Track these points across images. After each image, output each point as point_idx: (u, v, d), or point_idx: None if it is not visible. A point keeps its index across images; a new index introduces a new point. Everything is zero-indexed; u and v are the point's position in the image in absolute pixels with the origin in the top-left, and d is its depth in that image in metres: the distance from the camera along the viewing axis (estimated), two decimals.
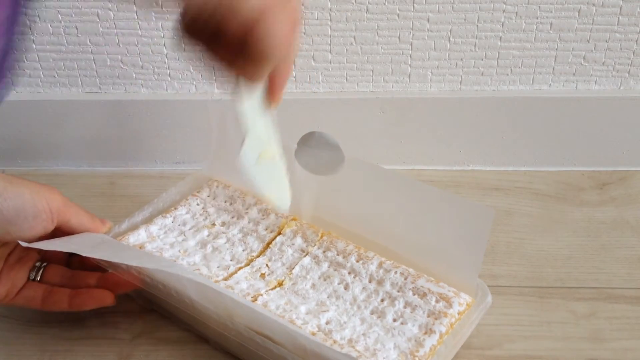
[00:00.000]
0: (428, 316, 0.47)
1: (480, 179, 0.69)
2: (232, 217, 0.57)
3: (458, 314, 0.47)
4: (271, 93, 0.42)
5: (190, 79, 0.68)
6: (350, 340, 0.45)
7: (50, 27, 0.65)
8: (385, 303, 0.48)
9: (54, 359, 0.50)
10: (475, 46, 0.64)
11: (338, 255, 0.52)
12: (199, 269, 0.51)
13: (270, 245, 0.54)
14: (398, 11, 0.63)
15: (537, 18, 0.62)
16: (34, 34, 0.65)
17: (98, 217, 0.53)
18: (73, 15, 0.64)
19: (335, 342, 0.45)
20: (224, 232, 0.55)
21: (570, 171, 0.69)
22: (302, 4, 0.39)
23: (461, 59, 0.65)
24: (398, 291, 0.49)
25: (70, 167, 0.72)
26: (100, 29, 0.65)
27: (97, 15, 0.64)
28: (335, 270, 0.51)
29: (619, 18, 0.62)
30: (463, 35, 0.63)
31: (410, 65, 0.66)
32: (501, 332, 0.51)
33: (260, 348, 0.44)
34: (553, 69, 0.65)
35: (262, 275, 0.51)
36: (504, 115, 0.67)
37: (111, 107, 0.68)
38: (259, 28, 0.33)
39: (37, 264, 0.51)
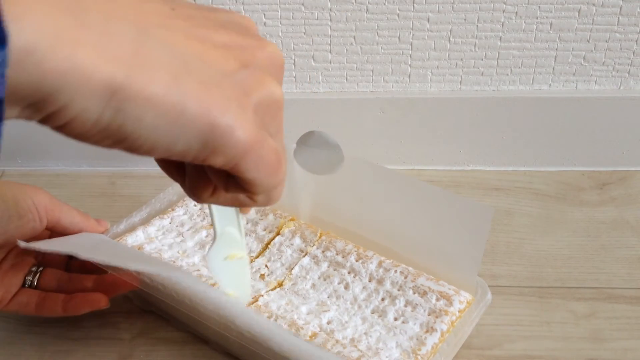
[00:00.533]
0: (429, 314, 0.47)
1: (480, 179, 0.69)
2: None
3: (459, 312, 0.47)
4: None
5: None
6: (352, 340, 0.45)
7: None
8: (385, 302, 0.48)
9: (54, 359, 0.50)
10: (475, 46, 0.64)
11: (337, 254, 0.52)
12: (199, 270, 0.51)
13: (269, 246, 0.54)
14: (398, 11, 0.63)
15: (537, 18, 0.62)
16: None
17: (98, 217, 0.53)
18: None
19: (337, 341, 0.45)
20: None
21: (570, 171, 0.69)
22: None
23: (461, 59, 0.65)
24: (398, 290, 0.49)
25: (70, 167, 0.72)
26: None
27: None
28: (334, 269, 0.51)
29: (619, 18, 0.62)
30: (463, 35, 0.63)
31: (410, 65, 0.66)
32: (501, 332, 0.51)
33: (262, 348, 0.44)
34: (553, 69, 0.65)
35: (262, 276, 0.51)
36: (504, 115, 0.67)
37: None
38: (245, 163, 0.30)
39: (34, 268, 0.50)
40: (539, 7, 0.62)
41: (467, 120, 0.67)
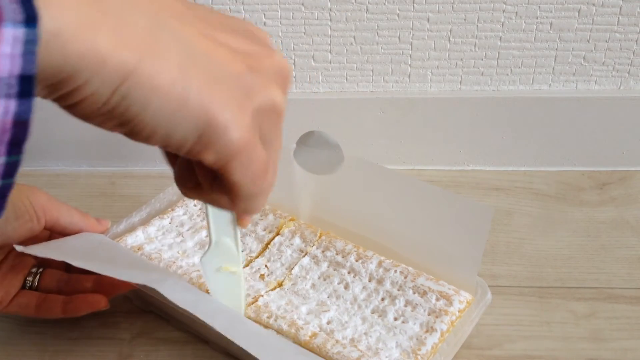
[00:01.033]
0: (429, 314, 0.47)
1: (480, 179, 0.69)
2: None
3: (459, 311, 0.47)
4: (239, 218, 0.39)
5: None
6: (352, 340, 0.45)
7: None
8: (385, 302, 0.48)
9: (54, 359, 0.50)
10: (475, 46, 0.64)
11: (337, 254, 0.52)
12: (198, 270, 0.51)
13: (269, 246, 0.54)
14: (398, 11, 0.63)
15: (537, 18, 0.62)
16: None
17: (98, 217, 0.52)
18: None
19: (337, 341, 0.45)
20: None
21: (570, 171, 0.69)
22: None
23: (461, 59, 0.65)
24: (398, 290, 0.49)
25: (70, 167, 0.72)
26: None
27: None
28: (334, 269, 0.51)
29: (619, 18, 0.62)
30: (463, 35, 0.63)
31: (410, 65, 0.66)
32: (501, 332, 0.51)
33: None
34: (553, 69, 0.65)
35: (262, 276, 0.51)
36: (504, 115, 0.67)
37: None
38: (233, 164, 0.29)
39: (33, 269, 0.50)
40: (539, 7, 0.62)
41: (467, 120, 0.67)
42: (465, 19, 0.63)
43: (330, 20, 0.63)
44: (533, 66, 0.65)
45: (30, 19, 0.22)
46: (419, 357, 0.44)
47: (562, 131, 0.67)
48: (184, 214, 0.57)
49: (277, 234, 0.55)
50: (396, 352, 0.45)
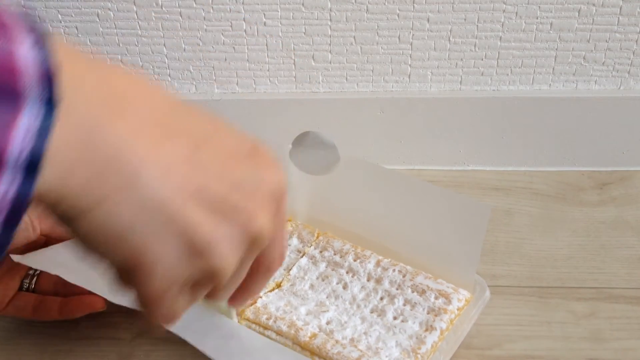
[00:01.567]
0: (428, 313, 0.47)
1: (480, 179, 0.69)
2: None
3: (457, 309, 0.47)
4: (232, 298, 0.36)
5: (190, 79, 0.68)
6: (352, 340, 0.45)
7: (50, 27, 0.65)
8: (384, 301, 0.48)
9: (54, 359, 0.50)
10: (475, 46, 0.64)
11: (335, 254, 0.52)
12: None
13: None
14: (398, 11, 0.63)
15: (537, 18, 0.62)
16: None
17: None
18: (73, 15, 0.64)
19: (337, 342, 0.45)
20: None
21: (570, 171, 0.69)
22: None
23: (461, 59, 0.65)
24: (397, 289, 0.49)
25: None
26: (100, 29, 0.65)
27: (97, 15, 0.64)
28: (333, 270, 0.51)
29: (619, 18, 0.62)
30: (463, 35, 0.63)
31: (410, 65, 0.66)
32: (501, 332, 0.51)
33: None
34: (553, 69, 0.65)
35: None
36: (504, 115, 0.67)
37: None
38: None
39: (31, 271, 0.50)
40: (539, 7, 0.62)
41: (467, 120, 0.67)
42: (465, 19, 0.63)
43: (330, 20, 0.63)
44: (533, 66, 0.65)
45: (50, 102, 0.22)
46: (419, 356, 0.44)
47: (562, 131, 0.67)
48: None
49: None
50: (396, 351, 0.45)
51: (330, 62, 0.66)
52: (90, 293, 0.49)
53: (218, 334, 0.44)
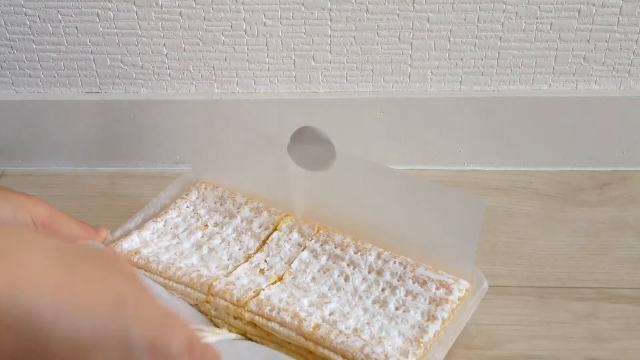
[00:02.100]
0: (429, 303, 0.47)
1: (480, 179, 0.69)
2: (224, 217, 0.57)
3: (458, 299, 0.48)
4: None
5: (190, 79, 0.68)
6: (355, 330, 0.46)
7: (50, 27, 0.65)
8: (386, 292, 0.49)
9: None
10: (475, 46, 0.64)
11: (336, 247, 0.53)
12: (198, 270, 0.51)
13: (267, 241, 0.54)
14: (398, 11, 0.63)
15: (537, 18, 0.62)
16: (34, 34, 0.65)
17: (98, 217, 0.52)
18: (73, 15, 0.64)
19: (340, 332, 0.45)
20: (218, 233, 0.55)
21: (570, 171, 0.69)
22: None
23: (461, 59, 0.65)
24: (398, 280, 0.49)
25: (70, 167, 0.72)
26: (100, 29, 0.65)
27: (97, 15, 0.64)
28: (334, 262, 0.51)
29: (619, 18, 0.62)
30: (463, 35, 0.63)
31: (410, 65, 0.66)
32: (501, 332, 0.51)
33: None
34: (553, 69, 0.65)
35: (262, 271, 0.51)
36: (504, 115, 0.67)
37: (111, 107, 0.68)
38: None
39: None
40: (539, 7, 0.62)
41: (467, 120, 0.67)
42: (465, 19, 0.63)
43: (330, 20, 0.63)
44: (533, 66, 0.65)
45: None
46: (422, 344, 0.45)
47: (562, 131, 0.67)
48: (177, 216, 0.57)
49: (275, 229, 0.55)
50: (399, 340, 0.45)
51: (330, 62, 0.66)
52: None
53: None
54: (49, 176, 0.71)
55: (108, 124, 0.69)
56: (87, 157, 0.71)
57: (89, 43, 0.66)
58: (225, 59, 0.66)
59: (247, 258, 0.53)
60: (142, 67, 0.67)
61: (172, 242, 0.54)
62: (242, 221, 0.56)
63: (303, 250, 0.53)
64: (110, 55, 0.66)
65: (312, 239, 0.54)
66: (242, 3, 0.63)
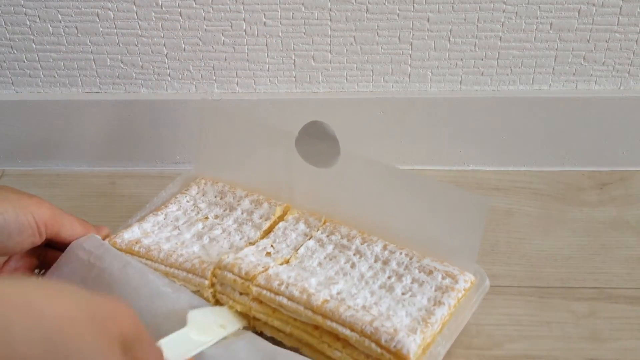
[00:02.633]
0: (436, 290, 0.48)
1: (480, 179, 0.69)
2: (225, 210, 0.57)
3: (464, 290, 0.48)
4: None
5: (190, 79, 0.68)
6: (363, 307, 0.46)
7: (50, 27, 0.65)
8: (392, 279, 0.49)
9: None
10: (475, 46, 0.64)
11: (342, 238, 0.53)
12: (200, 257, 0.51)
13: (274, 230, 0.54)
14: (398, 11, 0.63)
15: (537, 18, 0.62)
16: (34, 34, 0.65)
17: (98, 216, 0.52)
18: (73, 15, 0.64)
19: (349, 307, 0.45)
20: (218, 224, 0.55)
21: (570, 171, 0.69)
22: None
23: (461, 59, 0.65)
24: (404, 269, 0.50)
25: (70, 167, 0.72)
26: (100, 29, 0.65)
27: (97, 15, 0.64)
28: (340, 251, 0.52)
29: (619, 18, 0.62)
30: (463, 35, 0.63)
31: (410, 65, 0.66)
32: (501, 332, 0.51)
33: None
34: (553, 69, 0.65)
35: (268, 254, 0.51)
36: (504, 115, 0.67)
37: (111, 107, 0.68)
38: None
39: (36, 270, 0.50)
40: (539, 7, 0.62)
41: (467, 120, 0.67)
42: (465, 19, 0.63)
43: (330, 20, 0.63)
44: (533, 66, 0.65)
45: None
46: (429, 324, 0.45)
47: (562, 131, 0.67)
48: (178, 209, 0.57)
49: (281, 219, 0.55)
50: (407, 319, 0.45)
51: (330, 62, 0.66)
52: None
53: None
54: (49, 176, 0.71)
55: (108, 124, 0.69)
56: (87, 157, 0.71)
57: (89, 43, 0.66)
58: (225, 59, 0.66)
59: (254, 242, 0.53)
60: (142, 67, 0.67)
61: (172, 233, 0.55)
62: (242, 213, 0.56)
63: (309, 239, 0.53)
64: (110, 55, 0.66)
65: (318, 229, 0.54)
66: (242, 3, 0.63)
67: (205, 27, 0.64)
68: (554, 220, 0.63)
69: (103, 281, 0.49)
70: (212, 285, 0.49)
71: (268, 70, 0.67)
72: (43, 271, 0.50)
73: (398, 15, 0.63)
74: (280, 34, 0.64)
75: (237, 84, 0.68)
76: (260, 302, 0.47)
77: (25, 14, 0.64)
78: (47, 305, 0.31)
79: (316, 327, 0.46)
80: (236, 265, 0.48)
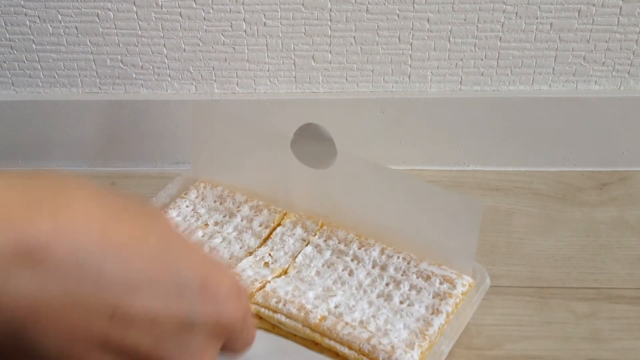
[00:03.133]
0: (433, 297, 0.48)
1: (480, 179, 0.69)
2: (224, 216, 0.57)
3: (462, 294, 0.49)
4: None
5: (190, 79, 0.68)
6: (361, 322, 0.46)
7: (50, 27, 0.65)
8: (390, 287, 0.49)
9: None
10: (475, 46, 0.64)
11: (339, 243, 0.53)
12: None
13: (271, 236, 0.54)
14: (398, 11, 0.63)
15: (537, 18, 0.62)
16: (34, 34, 0.65)
17: None
18: (73, 15, 0.64)
19: (347, 323, 0.45)
20: (218, 232, 0.55)
21: (570, 171, 0.69)
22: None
23: (461, 59, 0.65)
24: (402, 275, 0.50)
25: (70, 167, 0.72)
26: (100, 29, 0.65)
27: (97, 15, 0.64)
28: (338, 257, 0.52)
29: (619, 18, 0.62)
30: (463, 35, 0.63)
31: (410, 66, 0.66)
32: (501, 332, 0.51)
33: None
34: (553, 69, 0.65)
35: (266, 264, 0.52)
36: (504, 115, 0.67)
37: (111, 107, 0.68)
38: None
39: None
40: (539, 7, 0.62)
41: (467, 120, 0.67)
42: (465, 19, 0.63)
43: (330, 20, 0.63)
44: (533, 66, 0.65)
45: None
46: (427, 337, 0.45)
47: (562, 131, 0.67)
48: (177, 215, 0.57)
49: (279, 224, 0.55)
50: (404, 332, 0.46)
51: (330, 62, 0.66)
52: None
53: None
54: None
55: (108, 124, 0.69)
56: (87, 157, 0.71)
57: (89, 43, 0.66)
58: (225, 59, 0.66)
59: (252, 252, 0.53)
60: (142, 67, 0.67)
61: None
62: (242, 220, 0.56)
63: (307, 245, 0.53)
64: (110, 55, 0.66)
65: (315, 234, 0.54)
66: (242, 3, 0.63)
67: (205, 27, 0.64)
68: (554, 220, 0.63)
69: None
70: None
71: (268, 71, 0.67)
72: None
73: (398, 16, 0.63)
74: (280, 35, 0.64)
75: (237, 84, 0.68)
76: (260, 318, 0.48)
77: (25, 14, 0.64)
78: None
79: (316, 343, 0.46)
80: None
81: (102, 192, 0.28)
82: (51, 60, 0.67)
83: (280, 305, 0.47)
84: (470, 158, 0.69)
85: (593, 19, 0.62)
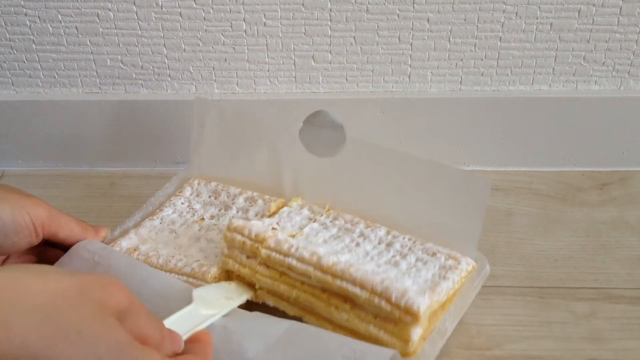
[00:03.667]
0: (440, 269, 0.49)
1: None
2: (220, 210, 0.57)
3: (467, 271, 0.49)
4: None
5: (190, 79, 0.68)
6: (372, 272, 0.46)
7: (50, 27, 0.65)
8: (397, 257, 0.50)
9: None
10: (475, 46, 0.64)
11: (346, 223, 0.53)
12: (198, 260, 0.51)
13: (279, 212, 0.54)
14: (398, 11, 0.63)
15: (537, 18, 0.62)
16: (34, 34, 0.65)
17: (98, 217, 0.52)
18: (73, 15, 0.64)
19: (358, 269, 0.45)
20: (215, 224, 0.55)
21: (570, 171, 0.69)
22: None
23: (461, 59, 0.65)
24: (408, 250, 0.50)
25: (70, 167, 0.72)
26: (100, 29, 0.65)
27: (97, 15, 0.64)
28: (344, 233, 0.52)
29: (619, 18, 0.62)
30: (463, 35, 0.63)
31: (410, 66, 0.66)
32: (501, 332, 0.51)
33: None
34: (553, 69, 0.65)
35: (274, 229, 0.51)
36: (504, 115, 0.67)
37: (111, 107, 0.68)
38: None
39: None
40: (539, 7, 0.62)
41: (467, 120, 0.67)
42: (465, 19, 0.63)
43: (330, 20, 0.63)
44: (533, 66, 0.65)
45: None
46: (436, 292, 0.45)
47: (562, 131, 0.67)
48: (173, 212, 0.57)
49: (282, 206, 0.56)
50: (414, 287, 0.46)
51: (330, 62, 0.66)
52: None
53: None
54: (49, 176, 0.71)
55: (108, 124, 0.69)
56: (87, 157, 0.71)
57: (89, 43, 0.66)
58: (225, 59, 0.66)
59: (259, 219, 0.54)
60: (142, 67, 0.67)
61: (170, 237, 0.55)
62: (238, 211, 0.56)
63: (314, 222, 0.53)
64: (110, 55, 0.66)
65: (322, 215, 0.54)
66: (242, 3, 0.63)
67: (205, 27, 0.64)
68: (554, 220, 0.63)
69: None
70: (223, 238, 0.49)
71: (268, 71, 0.67)
72: None
73: (398, 16, 0.63)
74: (280, 35, 0.64)
75: (237, 84, 0.68)
76: (268, 266, 0.47)
77: (25, 14, 0.64)
78: (36, 283, 0.32)
79: (324, 290, 0.46)
80: (246, 228, 0.48)
81: (43, 304, 0.32)
82: (51, 60, 0.67)
83: (292, 250, 0.46)
84: (470, 158, 0.69)
85: (593, 19, 0.62)
